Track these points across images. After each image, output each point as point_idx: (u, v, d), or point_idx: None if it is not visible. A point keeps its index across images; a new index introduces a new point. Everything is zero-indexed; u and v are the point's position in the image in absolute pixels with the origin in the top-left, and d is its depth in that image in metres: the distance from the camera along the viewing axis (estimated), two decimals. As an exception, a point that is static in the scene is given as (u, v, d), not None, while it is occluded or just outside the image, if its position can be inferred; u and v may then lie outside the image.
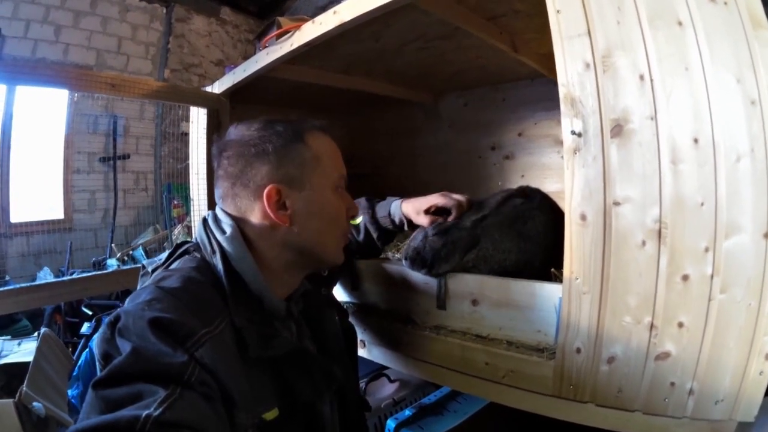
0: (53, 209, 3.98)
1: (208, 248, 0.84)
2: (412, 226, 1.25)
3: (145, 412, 0.54)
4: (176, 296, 0.71)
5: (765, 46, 0.78)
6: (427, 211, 1.20)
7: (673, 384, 0.85)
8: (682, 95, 0.82)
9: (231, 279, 0.80)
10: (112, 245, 3.78)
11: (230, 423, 0.67)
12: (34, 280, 3.46)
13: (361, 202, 1.33)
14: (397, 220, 1.25)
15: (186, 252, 0.88)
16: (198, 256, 0.85)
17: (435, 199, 1.21)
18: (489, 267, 1.18)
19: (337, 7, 1.39)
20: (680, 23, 0.82)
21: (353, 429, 0.99)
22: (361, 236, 1.31)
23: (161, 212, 4.44)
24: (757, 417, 0.81)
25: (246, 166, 0.86)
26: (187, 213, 3.65)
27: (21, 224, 3.69)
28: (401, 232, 1.33)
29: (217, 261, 0.81)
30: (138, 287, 0.88)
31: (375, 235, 1.29)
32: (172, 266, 0.85)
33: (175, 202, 4.01)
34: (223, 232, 0.84)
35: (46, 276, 3.49)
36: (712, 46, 0.80)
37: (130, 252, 3.61)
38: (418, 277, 1.24)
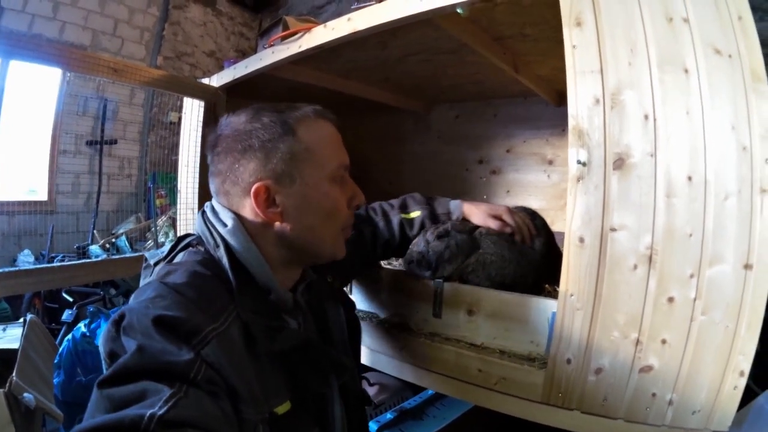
0: (36, 190, 3.89)
1: (211, 241, 0.82)
2: None
3: (149, 411, 0.54)
4: (181, 292, 0.70)
5: (761, 98, 0.86)
6: (495, 218, 1.29)
7: (654, 395, 0.93)
8: (681, 136, 0.90)
9: (237, 272, 0.79)
10: (94, 231, 3.71)
11: (238, 419, 0.66)
12: (14, 261, 3.40)
13: (416, 196, 1.37)
14: (454, 218, 1.30)
15: (189, 245, 0.86)
16: (202, 249, 0.84)
17: (500, 209, 1.31)
18: (487, 273, 1.23)
19: (351, 15, 1.42)
20: (686, 70, 0.90)
21: (355, 422, 0.98)
22: (414, 230, 1.31)
23: (144, 200, 4.38)
24: (730, 427, 0.90)
25: (234, 162, 0.83)
26: (171, 204, 3.61)
27: (3, 203, 3.59)
28: None
29: (222, 254, 0.80)
30: (141, 280, 0.89)
31: None
32: (176, 260, 0.84)
33: (160, 192, 3.96)
34: (225, 224, 0.83)
35: (27, 258, 3.42)
36: (713, 94, 0.88)
37: (113, 240, 3.55)
38: (414, 284, 1.29)
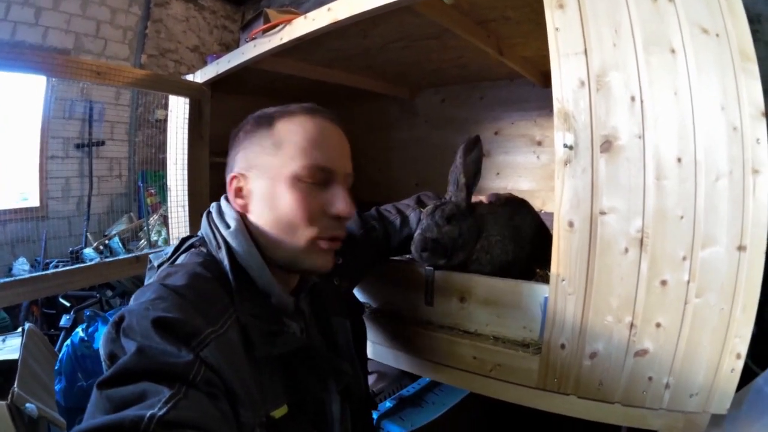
0: (28, 197, 3.87)
1: (214, 243, 0.82)
2: None
3: (149, 412, 0.54)
4: (180, 294, 0.70)
5: (750, 77, 0.84)
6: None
7: (650, 378, 0.93)
8: (669, 117, 0.88)
9: (237, 275, 0.78)
10: (87, 234, 3.69)
11: (236, 422, 0.66)
12: (10, 270, 3.39)
13: (428, 193, 1.40)
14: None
15: (192, 246, 0.86)
16: (204, 251, 0.83)
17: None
18: (490, 257, 1.22)
19: (331, 5, 1.39)
20: (673, 50, 0.88)
21: (360, 426, 0.98)
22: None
23: (135, 200, 4.36)
24: (729, 410, 0.89)
25: (231, 155, 0.87)
26: (162, 202, 3.59)
27: (-4, 212, 3.58)
28: None
29: (223, 256, 0.79)
30: (145, 281, 0.87)
31: None
32: (178, 261, 0.83)
33: (150, 191, 3.94)
34: (228, 226, 0.82)
35: (22, 266, 3.41)
36: (701, 74, 0.87)
37: (107, 242, 3.53)
38: (405, 273, 1.29)
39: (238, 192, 0.84)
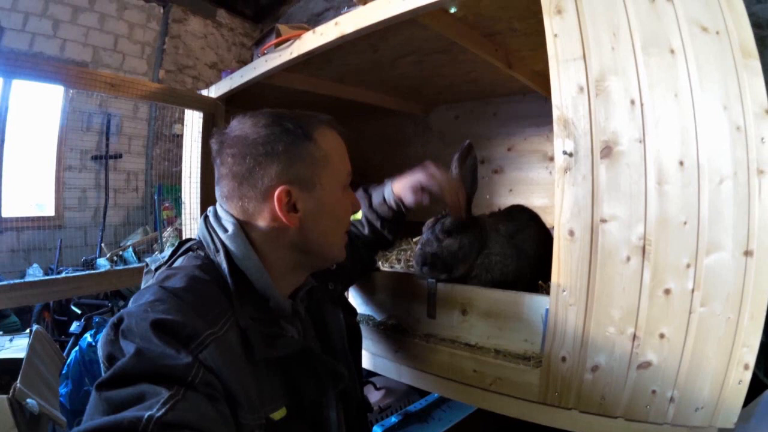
0: (44, 205, 3.95)
1: (212, 246, 0.82)
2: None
3: (147, 413, 0.54)
4: (179, 297, 0.70)
5: (753, 74, 0.82)
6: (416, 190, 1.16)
7: (654, 392, 0.90)
8: (670, 120, 0.87)
9: (235, 278, 0.78)
10: (102, 244, 3.75)
11: (235, 423, 0.66)
12: (23, 276, 3.44)
13: (358, 192, 1.27)
14: (394, 205, 1.20)
15: (189, 250, 0.85)
16: (202, 254, 0.83)
17: (419, 177, 1.16)
18: (491, 276, 1.21)
19: (338, 19, 1.40)
20: (672, 51, 0.87)
21: (356, 429, 0.98)
22: (366, 230, 1.25)
23: (151, 213, 4.41)
24: (736, 424, 0.85)
25: (254, 165, 0.80)
26: (177, 215, 3.63)
27: (12, 219, 3.65)
28: (403, 218, 1.24)
29: (221, 259, 0.79)
30: (142, 285, 0.88)
31: (378, 225, 1.23)
32: (176, 264, 0.83)
33: (166, 204, 3.98)
34: (225, 230, 0.82)
35: (35, 272, 3.46)
36: (701, 74, 0.85)
37: (120, 253, 3.58)
38: (408, 285, 1.27)
39: (291, 207, 0.82)
